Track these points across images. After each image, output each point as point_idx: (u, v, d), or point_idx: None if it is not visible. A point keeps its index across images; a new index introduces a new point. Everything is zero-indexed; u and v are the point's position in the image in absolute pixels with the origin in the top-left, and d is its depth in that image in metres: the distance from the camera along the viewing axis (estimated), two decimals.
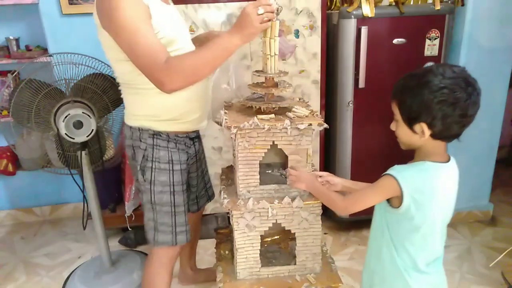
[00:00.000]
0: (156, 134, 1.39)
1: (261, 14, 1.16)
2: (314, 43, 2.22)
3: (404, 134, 1.11)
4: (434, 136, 1.06)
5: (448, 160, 1.11)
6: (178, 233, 1.46)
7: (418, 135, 1.07)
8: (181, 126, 1.43)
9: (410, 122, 1.07)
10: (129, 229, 2.37)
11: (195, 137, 1.54)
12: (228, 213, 1.42)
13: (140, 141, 1.40)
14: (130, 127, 1.42)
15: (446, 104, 1.00)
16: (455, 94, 0.99)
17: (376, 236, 1.20)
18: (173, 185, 1.43)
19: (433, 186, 1.07)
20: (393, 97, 1.11)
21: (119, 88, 1.44)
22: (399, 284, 1.15)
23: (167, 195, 1.42)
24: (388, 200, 1.13)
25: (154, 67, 1.18)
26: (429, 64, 1.08)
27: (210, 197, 1.80)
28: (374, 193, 1.14)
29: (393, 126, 1.14)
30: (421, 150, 1.11)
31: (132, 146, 1.42)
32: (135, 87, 1.35)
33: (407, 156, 1.14)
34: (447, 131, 1.05)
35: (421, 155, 1.11)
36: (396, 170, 1.09)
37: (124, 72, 1.33)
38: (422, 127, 1.05)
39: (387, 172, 1.10)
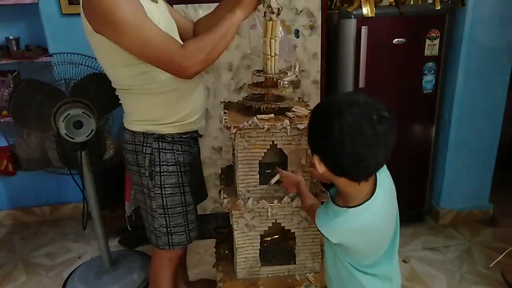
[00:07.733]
0: (161, 138, 1.37)
1: None
2: (314, 43, 2.22)
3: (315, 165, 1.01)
4: (332, 171, 0.97)
5: (373, 193, 1.00)
6: (191, 230, 1.47)
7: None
8: (185, 127, 1.42)
9: (312, 153, 1.01)
10: (129, 229, 2.35)
11: (196, 137, 1.54)
12: (228, 212, 1.42)
13: (145, 146, 1.37)
14: (133, 132, 1.39)
15: (332, 136, 0.89)
16: (343, 127, 0.88)
17: (329, 247, 1.15)
18: (183, 186, 1.43)
19: (361, 231, 1.01)
20: None
21: (116, 93, 1.41)
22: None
23: (178, 196, 1.42)
24: None
25: (173, 53, 1.19)
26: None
27: (204, 197, 1.78)
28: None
29: None
30: (342, 191, 1.03)
31: (135, 151, 1.39)
32: (136, 92, 1.32)
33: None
34: (341, 168, 0.94)
35: (343, 195, 1.04)
36: (320, 222, 1.05)
37: (123, 77, 1.31)
38: (315, 159, 0.98)
39: (315, 219, 1.07)
